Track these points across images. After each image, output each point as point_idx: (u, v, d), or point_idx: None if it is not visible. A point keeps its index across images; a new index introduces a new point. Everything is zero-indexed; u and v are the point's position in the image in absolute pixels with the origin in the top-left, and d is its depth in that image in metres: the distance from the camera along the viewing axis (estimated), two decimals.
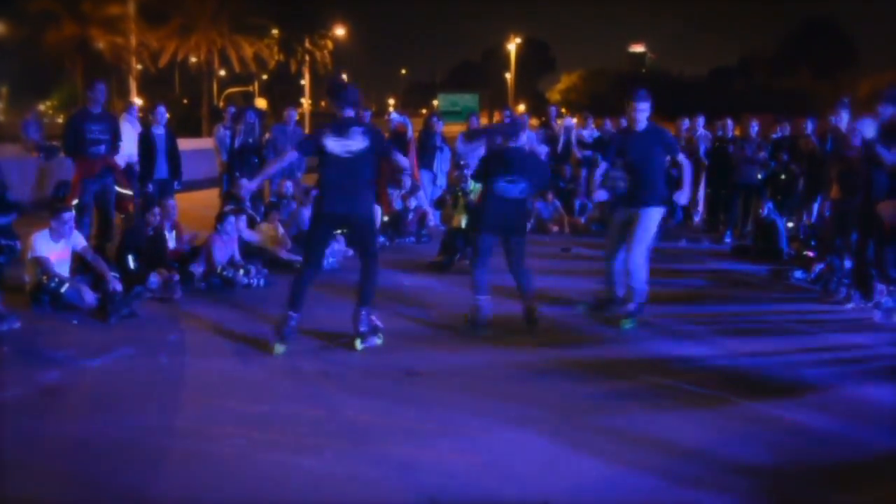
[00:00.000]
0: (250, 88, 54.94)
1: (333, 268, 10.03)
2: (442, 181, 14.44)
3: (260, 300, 8.37)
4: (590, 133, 15.58)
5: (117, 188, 10.08)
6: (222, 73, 51.88)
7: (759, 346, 6.96)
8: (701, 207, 15.26)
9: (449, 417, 5.14)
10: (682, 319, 7.78)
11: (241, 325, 7.41)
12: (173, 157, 11.26)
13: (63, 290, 7.59)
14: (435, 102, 69.03)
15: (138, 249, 8.70)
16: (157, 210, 9.20)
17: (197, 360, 6.37)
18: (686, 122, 15.35)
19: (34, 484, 4.24)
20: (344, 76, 49.28)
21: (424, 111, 54.28)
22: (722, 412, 5.32)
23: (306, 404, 5.33)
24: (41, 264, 7.70)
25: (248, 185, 7.81)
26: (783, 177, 12.95)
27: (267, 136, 13.18)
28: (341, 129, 6.57)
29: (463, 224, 11.05)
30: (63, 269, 7.86)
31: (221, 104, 42.88)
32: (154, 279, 8.35)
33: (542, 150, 13.81)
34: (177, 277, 8.52)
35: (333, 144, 6.52)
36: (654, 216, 7.59)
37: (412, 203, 12.89)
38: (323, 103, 70.79)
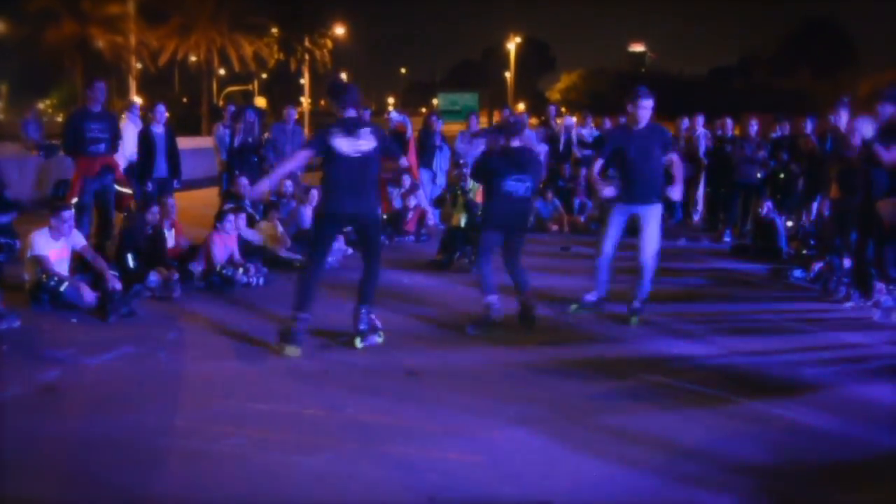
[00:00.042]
0: (250, 87, 54.95)
1: (333, 267, 10.02)
2: (441, 180, 14.45)
3: (259, 299, 8.36)
4: (589, 132, 15.59)
5: (117, 187, 10.08)
6: (222, 71, 51.91)
7: (759, 345, 6.96)
8: (700, 206, 15.27)
9: (449, 416, 5.13)
10: (682, 318, 7.78)
11: (241, 323, 7.40)
12: (173, 155, 11.25)
13: (62, 288, 7.59)
14: (435, 101, 68.99)
15: (137, 248, 8.69)
16: (156, 209, 9.20)
17: (196, 358, 6.36)
18: (686, 122, 15.35)
19: (33, 483, 4.23)
20: (343, 75, 49.26)
21: (424, 110, 54.25)
22: (722, 411, 5.32)
23: (306, 403, 5.32)
24: (41, 263, 7.69)
25: (259, 188, 7.62)
26: (782, 176, 12.96)
27: (266, 135, 13.17)
28: (350, 128, 6.56)
29: (462, 223, 11.05)
30: (62, 268, 7.86)
31: (221, 103, 42.88)
32: (153, 278, 8.35)
33: (542, 150, 13.82)
34: (176, 276, 8.52)
35: (343, 144, 6.50)
36: (658, 213, 7.63)
37: (412, 202, 12.89)
38: (322, 102, 70.76)
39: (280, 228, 10.69)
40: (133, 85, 36.45)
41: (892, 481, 4.48)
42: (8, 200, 10.09)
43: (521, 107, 54.37)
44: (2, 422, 4.95)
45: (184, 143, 14.07)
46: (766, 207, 11.80)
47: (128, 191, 10.42)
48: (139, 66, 40.98)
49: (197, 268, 8.99)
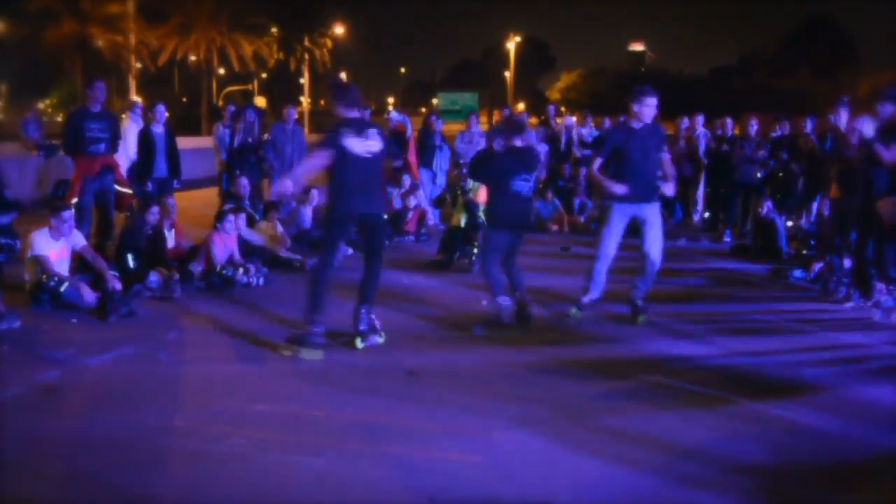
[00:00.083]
0: (249, 87, 54.93)
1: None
2: (441, 180, 14.45)
3: (260, 299, 8.36)
4: (589, 132, 15.59)
5: (117, 187, 10.08)
6: (221, 71, 51.90)
7: (759, 345, 6.96)
8: (700, 206, 15.27)
9: (449, 417, 5.13)
10: (682, 319, 7.78)
11: (241, 324, 7.40)
12: (172, 155, 11.24)
13: (62, 288, 7.59)
14: (434, 101, 69.01)
15: (137, 248, 8.69)
16: (156, 209, 9.20)
17: (197, 359, 6.36)
18: (685, 122, 15.35)
19: (33, 483, 4.23)
20: (343, 75, 49.21)
21: (424, 110, 54.25)
22: (721, 412, 5.32)
23: (306, 404, 5.32)
24: (41, 263, 7.69)
25: (285, 189, 7.37)
26: (782, 175, 12.97)
27: (266, 136, 13.15)
28: (359, 129, 6.55)
29: (462, 223, 11.05)
30: (62, 268, 7.86)
31: (221, 103, 42.88)
32: (153, 278, 8.36)
33: (542, 149, 13.81)
34: (176, 276, 8.53)
35: (354, 144, 6.48)
36: (659, 211, 7.68)
37: (412, 202, 12.88)
38: (322, 102, 70.75)
39: (280, 228, 10.69)
40: (133, 84, 36.47)
41: (892, 482, 4.48)
42: (8, 200, 10.10)
43: (520, 106, 54.38)
44: (2, 422, 4.95)
45: (183, 142, 14.06)
46: (766, 207, 11.81)
47: (128, 191, 10.42)
48: (139, 65, 41.00)
49: (197, 268, 8.99)
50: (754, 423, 5.15)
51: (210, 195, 14.91)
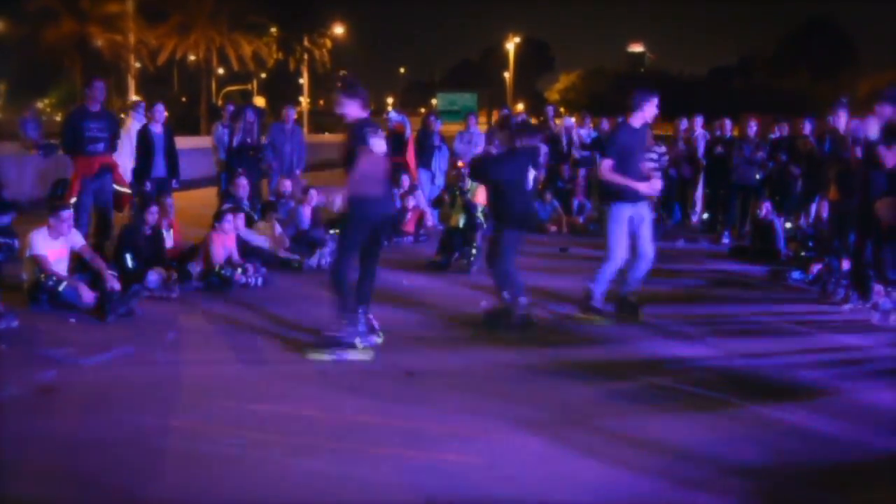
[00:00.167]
0: (249, 87, 54.90)
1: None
2: (440, 180, 14.44)
3: (258, 299, 8.36)
4: (588, 133, 15.59)
5: (115, 186, 10.07)
6: (221, 71, 51.85)
7: (757, 346, 6.96)
8: (699, 207, 15.28)
9: (447, 418, 5.13)
10: (680, 320, 7.78)
11: (240, 324, 7.40)
12: (171, 155, 11.21)
13: (61, 288, 7.58)
14: (434, 101, 69.00)
15: (136, 248, 8.68)
16: (154, 209, 9.18)
17: (195, 359, 6.36)
18: (684, 123, 15.35)
19: (31, 483, 4.23)
20: (343, 75, 49.11)
21: (423, 110, 54.24)
22: (720, 413, 5.32)
23: (305, 404, 5.32)
24: (39, 262, 7.68)
25: (336, 202, 7.17)
26: (781, 177, 12.97)
27: (264, 137, 13.13)
28: (375, 129, 6.54)
29: (461, 224, 11.05)
30: (61, 268, 7.85)
31: (220, 102, 42.85)
32: (152, 278, 8.35)
33: (542, 151, 13.80)
34: (175, 276, 8.52)
35: (377, 144, 6.46)
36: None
37: (410, 202, 12.88)
38: (322, 102, 70.74)
39: (278, 229, 10.68)
40: (132, 84, 36.46)
41: (890, 483, 4.48)
42: (6, 201, 10.10)
43: (519, 107, 54.35)
44: (0, 422, 4.95)
45: (182, 142, 14.04)
46: (765, 209, 11.81)
47: (126, 190, 10.41)
48: (138, 65, 40.96)
49: (195, 268, 8.98)
50: (753, 424, 5.15)
51: (209, 195, 14.90)
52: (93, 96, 9.74)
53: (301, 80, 59.50)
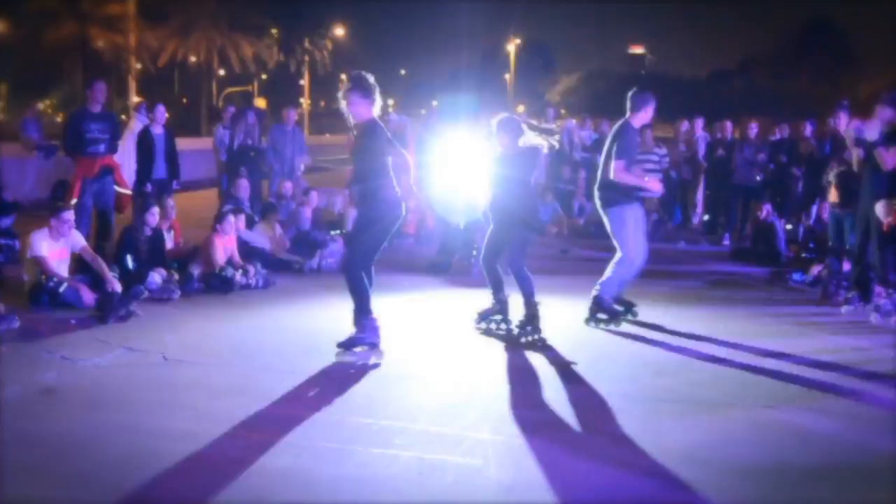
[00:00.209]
0: (249, 88, 54.90)
1: (332, 268, 10.04)
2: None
3: (258, 300, 8.36)
4: (588, 135, 15.60)
5: (116, 188, 10.08)
6: (221, 72, 51.87)
7: (758, 348, 6.96)
8: (700, 209, 15.29)
9: (448, 419, 5.13)
10: (681, 321, 7.77)
11: (240, 325, 7.41)
12: (172, 157, 11.21)
13: (62, 289, 7.59)
14: (434, 103, 68.96)
15: (137, 250, 8.69)
16: (155, 210, 9.19)
17: (195, 360, 6.35)
18: (685, 125, 15.37)
19: (31, 484, 4.22)
20: (343, 76, 49.04)
21: (424, 111, 54.22)
22: (720, 414, 5.32)
23: (304, 405, 5.31)
24: (40, 264, 7.70)
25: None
26: (781, 179, 12.99)
27: (264, 139, 13.14)
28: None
29: (461, 224, 11.05)
30: (62, 269, 7.86)
31: (221, 104, 42.87)
32: (153, 279, 8.36)
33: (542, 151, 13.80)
34: (175, 277, 8.53)
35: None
36: None
37: (411, 203, 12.86)
38: (323, 103, 70.70)
39: (279, 230, 10.69)
40: (133, 85, 36.48)
41: (890, 484, 4.48)
42: (7, 202, 10.12)
43: (520, 109, 54.35)
44: (0, 422, 4.95)
45: (183, 144, 14.05)
46: (766, 210, 11.81)
47: (127, 192, 10.42)
48: (139, 66, 40.98)
49: (196, 269, 8.99)
50: (753, 425, 5.15)
51: (209, 196, 14.92)
52: (94, 98, 9.75)
53: (302, 82, 59.51)
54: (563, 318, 7.75)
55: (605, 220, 7.63)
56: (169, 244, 9.36)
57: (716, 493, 4.19)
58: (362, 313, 6.40)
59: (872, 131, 7.92)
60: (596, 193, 7.76)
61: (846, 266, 8.85)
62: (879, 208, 7.82)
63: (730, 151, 13.54)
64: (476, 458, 4.54)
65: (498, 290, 7.41)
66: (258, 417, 5.11)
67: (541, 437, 4.85)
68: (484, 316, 7.38)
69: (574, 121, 16.62)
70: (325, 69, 58.82)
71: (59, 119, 46.46)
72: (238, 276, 8.89)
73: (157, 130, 11.18)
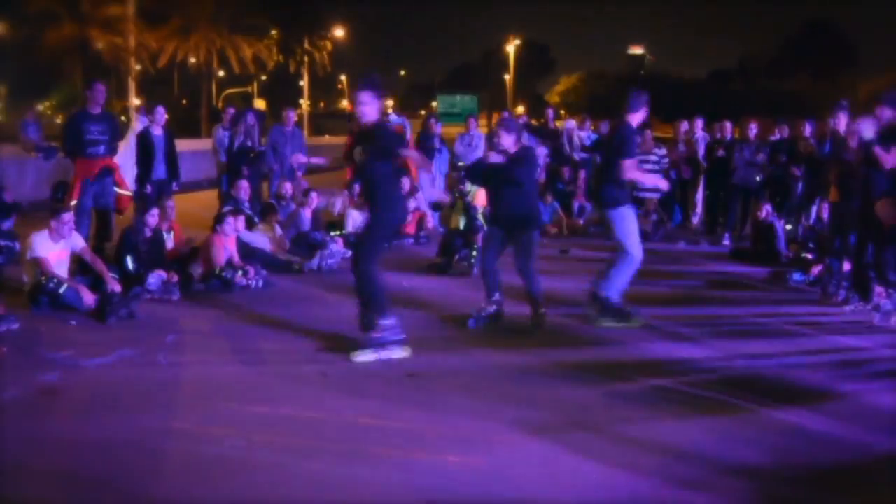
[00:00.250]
0: (249, 89, 54.91)
1: (332, 269, 10.04)
2: (440, 183, 14.44)
3: (258, 301, 8.36)
4: (588, 135, 15.60)
5: (116, 189, 10.08)
6: (221, 73, 51.87)
7: (758, 348, 6.96)
8: (699, 209, 15.28)
9: (448, 419, 5.13)
10: (681, 321, 7.78)
11: (240, 326, 7.41)
12: (171, 158, 11.22)
13: (62, 290, 7.59)
14: (434, 104, 69.00)
15: (137, 250, 8.69)
16: (155, 211, 9.20)
17: (195, 361, 6.36)
18: (685, 125, 15.36)
19: (32, 485, 4.23)
20: (343, 77, 49.09)
21: (423, 112, 54.27)
22: (720, 414, 5.32)
23: (305, 406, 5.32)
24: (40, 265, 7.69)
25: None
26: (781, 179, 12.98)
27: (264, 140, 13.13)
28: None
29: (461, 225, 11.06)
30: (62, 270, 7.85)
31: (220, 105, 42.85)
32: (153, 280, 8.36)
33: (542, 152, 13.82)
34: (175, 279, 8.53)
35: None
36: None
37: (411, 205, 12.87)
38: (322, 104, 70.73)
39: (279, 231, 10.69)
40: (132, 87, 36.42)
41: (890, 484, 4.49)
42: (8, 204, 10.12)
43: (520, 109, 54.39)
44: (1, 423, 4.95)
45: (183, 145, 14.06)
46: (766, 210, 11.81)
47: (127, 192, 10.42)
48: (138, 67, 40.94)
49: (196, 270, 8.99)
50: (753, 425, 5.15)
51: (209, 197, 14.91)
52: (93, 99, 9.76)
53: (301, 83, 59.52)
54: (563, 318, 7.76)
55: (609, 220, 7.63)
56: (169, 245, 9.36)
57: (716, 493, 4.19)
58: (380, 313, 6.41)
59: (868, 130, 7.92)
60: (598, 195, 7.76)
61: (846, 266, 8.84)
62: (880, 208, 7.81)
63: (729, 151, 13.53)
64: (476, 458, 4.54)
65: (493, 291, 7.42)
66: (258, 418, 5.12)
67: (541, 437, 4.86)
68: (480, 316, 7.40)
69: (574, 121, 16.58)
70: (325, 70, 58.85)
71: (58, 120, 46.52)
72: (238, 276, 8.89)
73: (157, 131, 11.19)
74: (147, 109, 12.85)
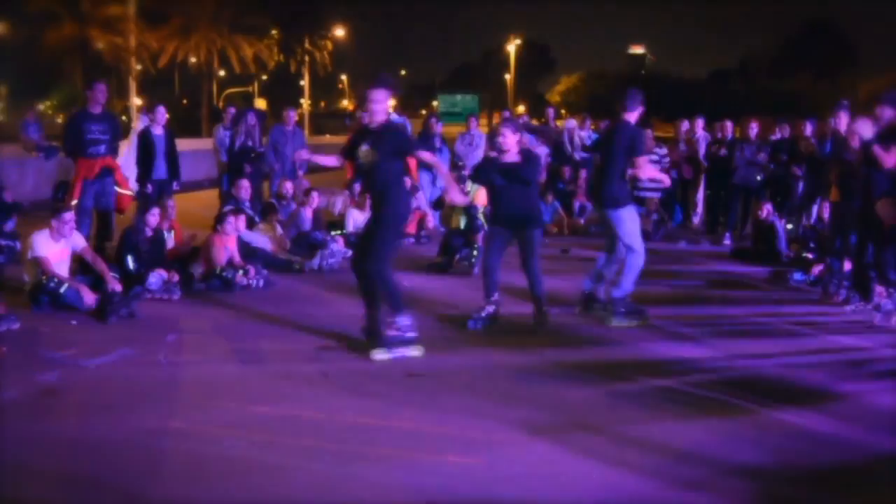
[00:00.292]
0: (250, 89, 54.90)
1: (333, 268, 10.04)
2: (441, 182, 14.41)
3: (259, 301, 8.36)
4: (588, 134, 15.58)
5: (117, 188, 10.08)
6: (222, 73, 51.88)
7: (758, 348, 6.96)
8: (700, 209, 15.28)
9: (449, 419, 5.13)
10: (682, 321, 7.78)
11: (241, 326, 7.41)
12: (172, 157, 11.22)
13: (62, 290, 7.59)
14: (435, 103, 69.02)
15: (137, 250, 8.69)
16: (156, 210, 9.20)
17: (196, 361, 6.36)
18: (685, 124, 15.35)
19: (33, 485, 4.23)
20: (343, 77, 49.08)
21: (424, 112, 54.27)
22: (721, 415, 5.31)
23: (306, 406, 5.32)
24: (41, 264, 7.69)
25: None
26: (782, 178, 12.97)
27: (265, 140, 13.13)
28: None
29: (462, 225, 11.06)
30: (62, 270, 7.86)
31: (221, 105, 42.83)
32: (153, 280, 8.36)
33: (543, 152, 13.82)
34: (176, 278, 8.53)
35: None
36: None
37: (411, 204, 12.85)
38: (323, 103, 70.71)
39: (279, 230, 10.69)
40: (133, 87, 36.43)
41: (890, 484, 4.48)
42: (8, 204, 10.12)
43: (521, 109, 54.39)
44: (1, 423, 4.95)
45: (184, 144, 14.06)
46: (766, 210, 11.80)
47: (128, 192, 10.42)
48: (139, 67, 40.93)
49: (197, 270, 8.99)
50: (754, 425, 5.15)
51: (210, 197, 14.92)
52: (94, 98, 9.76)
53: (302, 83, 59.53)
54: (563, 318, 7.76)
55: (612, 220, 7.64)
56: (169, 244, 9.36)
57: (717, 494, 4.19)
58: (398, 311, 6.44)
59: (867, 129, 7.91)
60: (600, 195, 7.76)
61: (847, 265, 8.84)
62: (881, 208, 7.80)
63: (730, 151, 13.52)
64: (476, 458, 4.54)
65: (492, 291, 7.43)
66: (259, 418, 5.12)
67: (541, 437, 4.85)
68: (480, 317, 7.40)
69: (574, 121, 16.57)
70: (326, 70, 58.85)
71: (59, 120, 46.49)
72: (239, 276, 8.89)
73: (158, 131, 11.19)
74: (148, 109, 12.85)
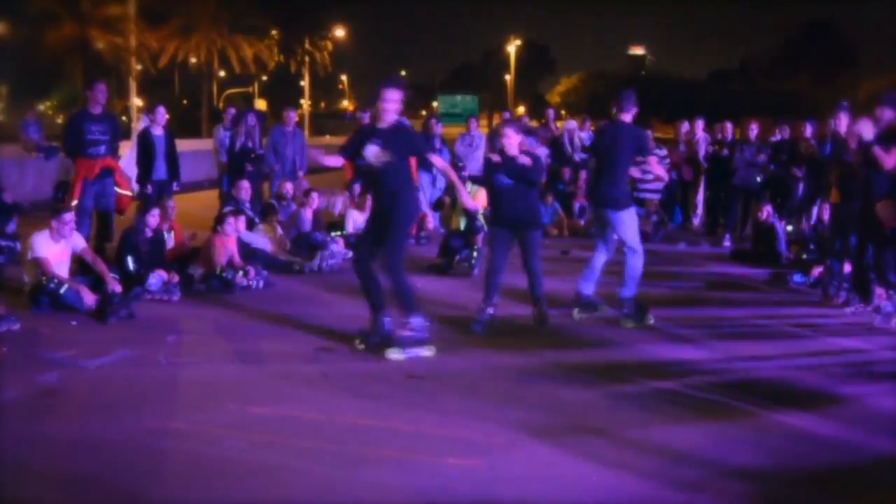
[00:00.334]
0: (250, 90, 54.90)
1: (333, 269, 10.04)
2: (441, 183, 14.43)
3: (259, 302, 8.36)
4: (588, 135, 15.58)
5: (116, 189, 10.07)
6: (222, 73, 51.88)
7: (758, 349, 6.96)
8: (700, 210, 15.27)
9: (449, 421, 5.13)
10: (682, 323, 7.78)
11: (241, 326, 7.41)
12: (172, 158, 11.21)
13: (62, 290, 7.59)
14: (434, 104, 69.02)
15: (137, 251, 8.69)
16: (156, 211, 9.19)
17: (196, 361, 6.36)
18: (686, 125, 15.35)
19: (33, 485, 4.23)
20: (344, 77, 49.06)
21: (424, 113, 54.27)
22: (721, 416, 5.31)
23: (306, 407, 5.32)
24: (41, 265, 7.69)
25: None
26: (782, 180, 12.97)
27: (265, 141, 13.13)
28: None
29: (462, 226, 11.06)
30: (62, 270, 7.85)
31: (221, 105, 42.83)
32: (153, 280, 8.35)
33: (543, 152, 13.81)
34: (176, 279, 8.53)
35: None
36: None
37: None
38: (323, 104, 70.70)
39: (279, 231, 10.69)
40: (133, 87, 36.44)
41: (890, 486, 4.48)
42: (8, 205, 10.12)
43: (521, 109, 54.39)
44: (1, 424, 4.95)
45: (184, 145, 14.05)
46: (766, 212, 11.80)
47: (128, 193, 10.42)
48: (139, 67, 40.93)
49: (197, 270, 8.98)
50: (754, 427, 5.15)
51: (210, 197, 14.91)
52: (94, 99, 9.75)
53: (302, 83, 59.52)
54: (563, 318, 7.76)
55: (613, 222, 7.66)
56: (169, 245, 9.36)
57: (716, 496, 4.19)
58: (411, 311, 6.46)
59: (864, 130, 7.91)
60: (600, 196, 7.77)
61: (847, 267, 8.83)
62: (881, 209, 7.80)
63: (731, 152, 13.52)
64: (476, 460, 4.54)
65: (493, 294, 7.43)
66: (258, 418, 5.12)
67: (541, 437, 4.86)
68: (482, 320, 7.40)
69: (574, 122, 16.57)
70: (326, 70, 58.85)
71: (59, 120, 46.50)
72: (239, 277, 8.89)
73: (158, 132, 11.17)
74: (148, 109, 12.85)
